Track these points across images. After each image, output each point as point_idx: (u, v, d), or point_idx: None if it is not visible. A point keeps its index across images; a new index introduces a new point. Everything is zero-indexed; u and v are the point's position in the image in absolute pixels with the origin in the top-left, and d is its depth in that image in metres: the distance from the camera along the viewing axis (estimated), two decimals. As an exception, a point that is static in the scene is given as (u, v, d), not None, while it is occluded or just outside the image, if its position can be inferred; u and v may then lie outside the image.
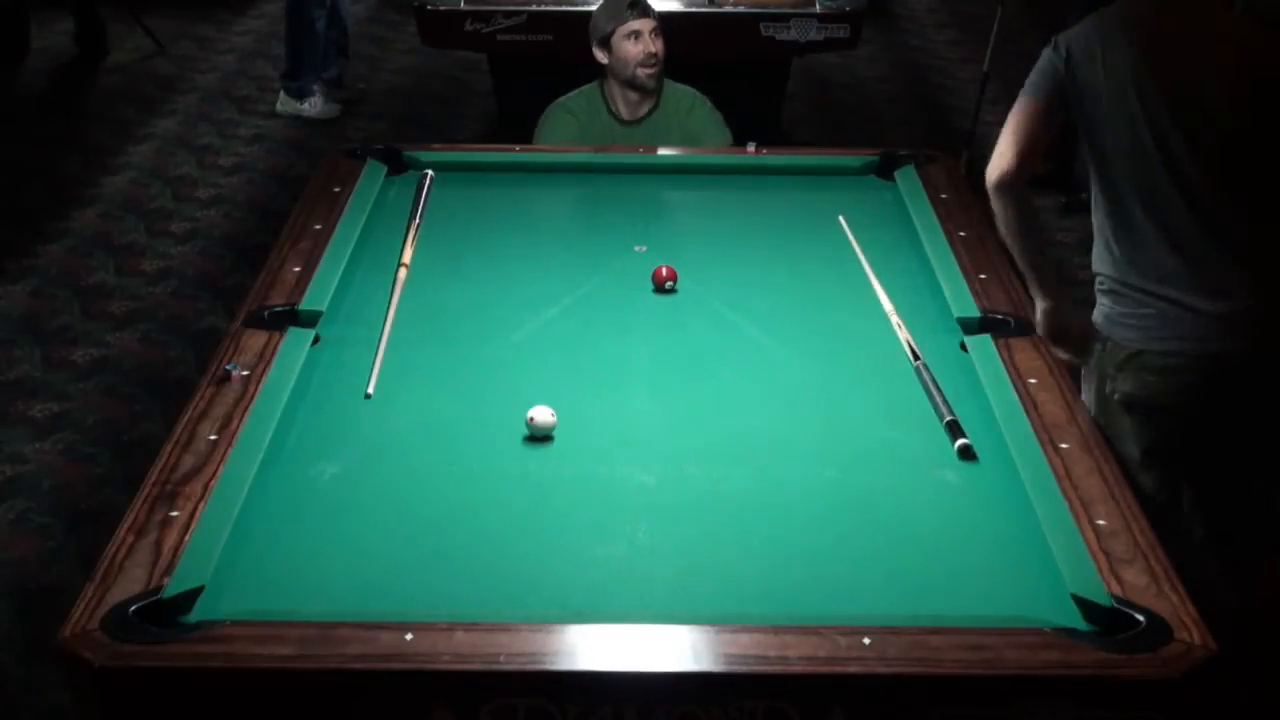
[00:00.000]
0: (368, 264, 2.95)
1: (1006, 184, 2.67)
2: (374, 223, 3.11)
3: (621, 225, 3.24)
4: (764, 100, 5.32)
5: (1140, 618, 1.87)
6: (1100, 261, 2.66)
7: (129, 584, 1.91)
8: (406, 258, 2.92)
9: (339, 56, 6.47)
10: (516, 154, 3.58)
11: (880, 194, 3.38)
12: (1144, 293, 2.56)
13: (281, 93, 6.35)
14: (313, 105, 6.31)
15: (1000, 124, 2.79)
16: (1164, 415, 2.57)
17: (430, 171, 3.32)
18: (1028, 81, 2.67)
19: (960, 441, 2.31)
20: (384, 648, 1.80)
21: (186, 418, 2.30)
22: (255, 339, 2.55)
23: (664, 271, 2.85)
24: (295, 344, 2.55)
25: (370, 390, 2.46)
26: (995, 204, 2.70)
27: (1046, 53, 2.66)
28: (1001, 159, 2.68)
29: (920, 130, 6.41)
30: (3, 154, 5.97)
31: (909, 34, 7.85)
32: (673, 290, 2.84)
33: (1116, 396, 2.60)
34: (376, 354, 2.55)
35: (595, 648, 1.83)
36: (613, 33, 3.67)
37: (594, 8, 3.87)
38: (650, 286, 2.85)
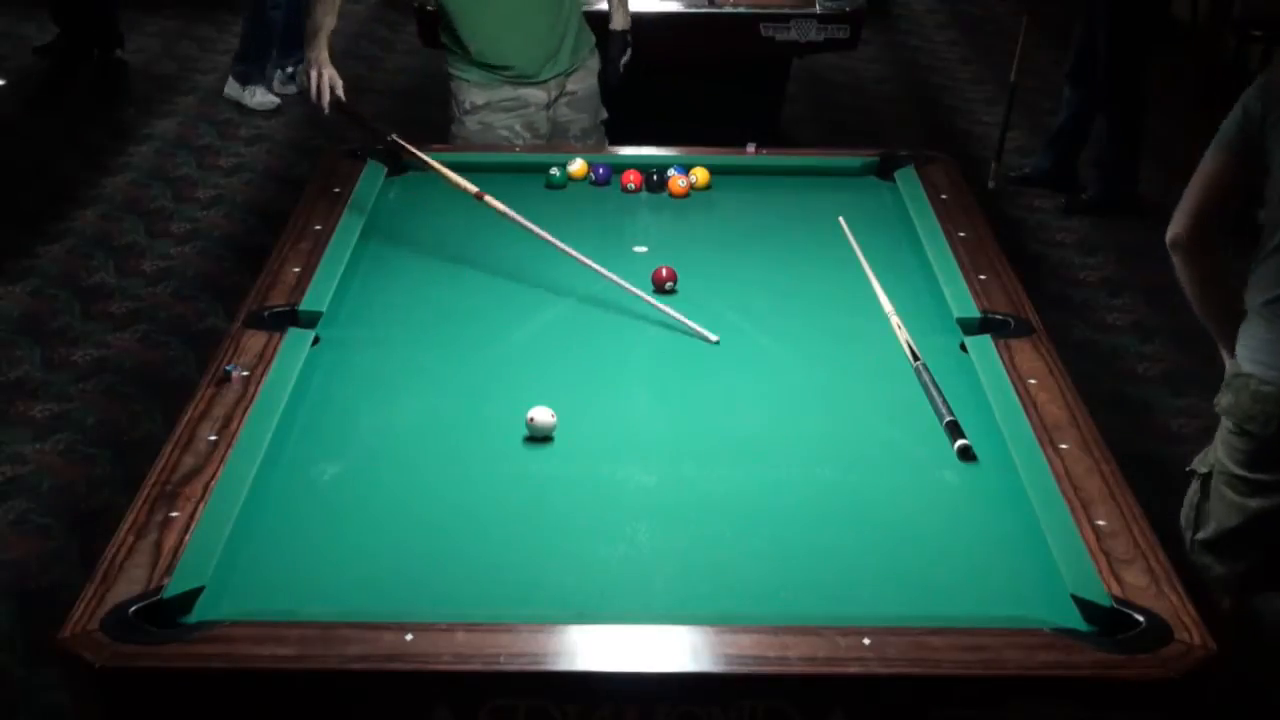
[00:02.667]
0: (368, 264, 2.96)
1: (1179, 245, 2.61)
2: (374, 223, 3.12)
3: (621, 226, 3.24)
4: (764, 100, 5.32)
5: (1140, 618, 1.87)
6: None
7: (129, 584, 1.91)
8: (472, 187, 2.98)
9: (299, 49, 6.46)
10: (516, 154, 3.58)
11: (880, 194, 3.38)
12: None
13: (230, 77, 6.42)
14: (251, 94, 6.36)
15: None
16: (1251, 439, 2.54)
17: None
18: (1218, 132, 2.56)
19: (960, 442, 2.31)
20: (384, 648, 1.80)
21: (186, 418, 2.30)
22: (255, 339, 2.55)
23: (664, 272, 2.85)
24: (295, 344, 2.55)
25: None
26: (1174, 260, 2.63)
27: (1239, 104, 2.52)
28: (1177, 217, 2.59)
29: (920, 130, 6.42)
30: (3, 154, 5.97)
31: (909, 34, 7.85)
32: (673, 291, 2.85)
33: (1217, 409, 2.59)
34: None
35: (595, 648, 1.83)
36: None
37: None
38: (651, 287, 2.85)
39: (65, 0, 6.69)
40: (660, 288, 2.85)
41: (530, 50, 3.75)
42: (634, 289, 2.73)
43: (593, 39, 3.92)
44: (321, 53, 3.63)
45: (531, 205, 3.32)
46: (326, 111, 3.58)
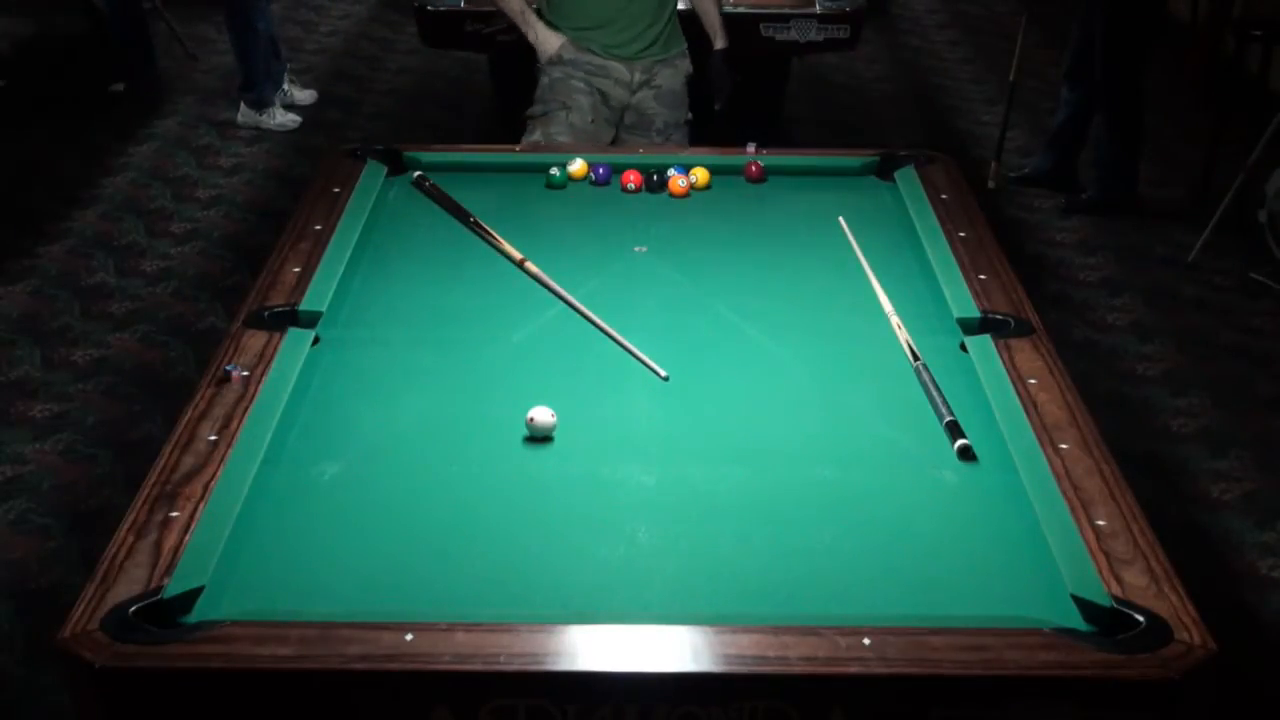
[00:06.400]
0: (368, 264, 2.96)
1: None
2: (374, 223, 3.12)
3: (621, 225, 3.24)
4: (764, 100, 5.32)
5: (1140, 618, 1.87)
6: None
7: (129, 584, 1.91)
8: (516, 253, 2.97)
9: (280, 62, 6.44)
10: (516, 154, 3.58)
11: (880, 194, 3.38)
12: None
13: (241, 104, 6.29)
14: (270, 117, 6.27)
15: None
16: None
17: (418, 172, 3.34)
18: None
19: (960, 442, 2.31)
20: (384, 648, 1.80)
21: (186, 418, 2.30)
22: (255, 339, 2.55)
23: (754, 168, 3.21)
24: (295, 344, 2.55)
25: None
26: None
27: None
28: None
29: (920, 130, 6.42)
30: (3, 154, 5.97)
31: (909, 34, 7.86)
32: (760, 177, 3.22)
33: None
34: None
35: (595, 648, 1.83)
36: None
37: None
38: (650, 288, 2.85)
39: (121, 40, 6.54)
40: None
41: (623, 24, 3.86)
42: (643, 357, 2.60)
43: (684, 42, 4.04)
44: (541, 26, 3.67)
45: (532, 205, 3.34)
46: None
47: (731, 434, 2.40)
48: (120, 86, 6.58)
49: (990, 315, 2.69)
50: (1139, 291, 4.95)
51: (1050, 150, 5.73)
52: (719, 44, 4.05)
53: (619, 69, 3.91)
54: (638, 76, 3.94)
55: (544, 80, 3.90)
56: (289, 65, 6.62)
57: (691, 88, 4.06)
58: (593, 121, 3.91)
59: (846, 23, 5.04)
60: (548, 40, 3.68)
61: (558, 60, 3.85)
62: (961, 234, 3.04)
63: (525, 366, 2.60)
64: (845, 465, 2.30)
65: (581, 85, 3.88)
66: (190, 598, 1.90)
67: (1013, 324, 2.66)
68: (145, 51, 6.66)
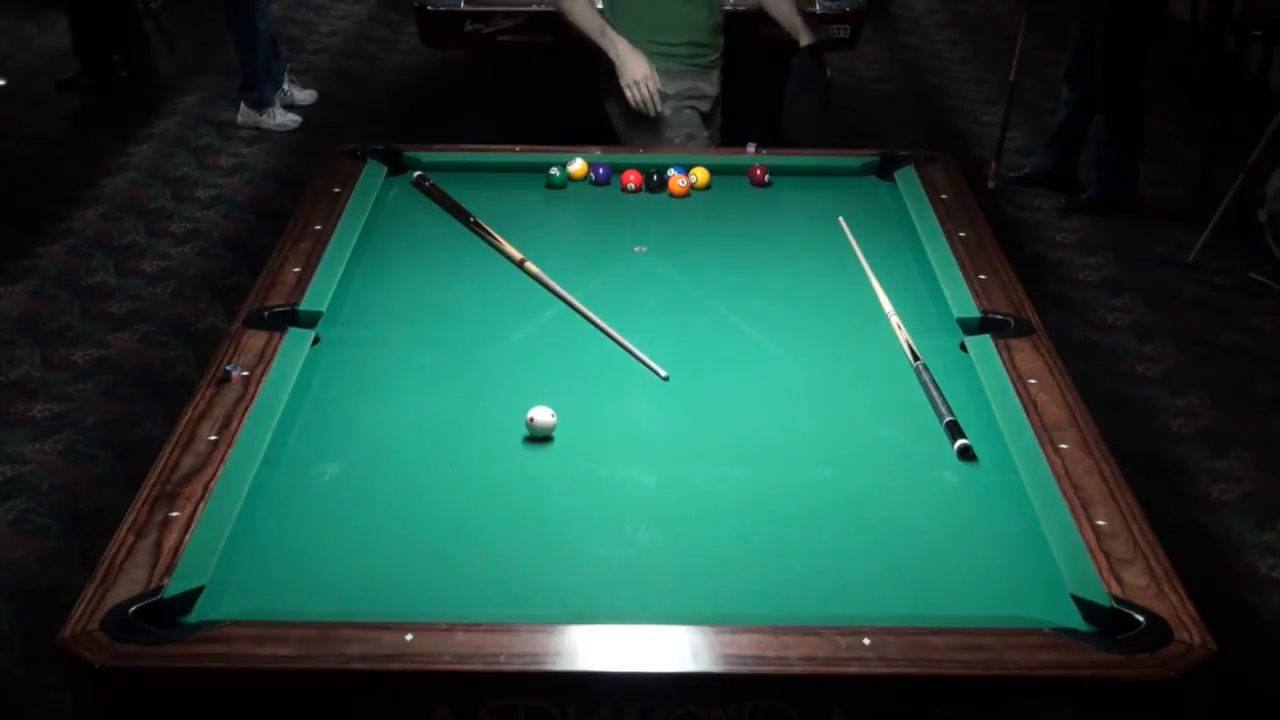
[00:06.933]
0: (368, 264, 2.96)
1: None
2: (374, 223, 3.12)
3: (621, 226, 3.24)
4: (764, 100, 5.32)
5: (1140, 618, 1.87)
6: None
7: (129, 584, 1.91)
8: (516, 253, 2.97)
9: (276, 60, 6.44)
10: (516, 154, 3.58)
11: (880, 194, 3.38)
12: None
13: (241, 104, 6.29)
14: (270, 117, 6.27)
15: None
16: None
17: (419, 172, 3.34)
18: None
19: (960, 442, 2.31)
20: (384, 648, 1.80)
21: (186, 418, 2.30)
22: (255, 339, 2.55)
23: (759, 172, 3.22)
24: (295, 344, 2.55)
25: None
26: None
27: None
28: None
29: (920, 130, 6.42)
30: (3, 154, 5.97)
31: (909, 34, 7.86)
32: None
33: None
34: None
35: (595, 648, 1.83)
36: None
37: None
38: (650, 288, 2.85)
39: (87, 32, 6.57)
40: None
41: (706, 34, 3.86)
42: (643, 357, 2.60)
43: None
44: (623, 43, 3.53)
45: (532, 205, 3.34)
46: (659, 110, 3.43)
47: (731, 434, 2.40)
48: (85, 81, 6.62)
49: (990, 315, 2.69)
50: (1139, 291, 4.95)
51: (1050, 150, 5.73)
52: (804, 40, 3.97)
53: (704, 86, 3.90)
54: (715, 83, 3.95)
55: (665, 115, 3.83)
56: (289, 65, 6.62)
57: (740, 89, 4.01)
58: (708, 136, 3.95)
59: (846, 23, 5.03)
60: (633, 59, 3.50)
61: (665, 97, 3.80)
62: (961, 234, 3.04)
63: (525, 366, 2.60)
64: (845, 465, 2.30)
65: (691, 114, 3.87)
66: (190, 598, 1.90)
67: (1013, 324, 2.66)
68: (126, 42, 6.70)
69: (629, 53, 3.50)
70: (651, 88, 3.41)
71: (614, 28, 3.79)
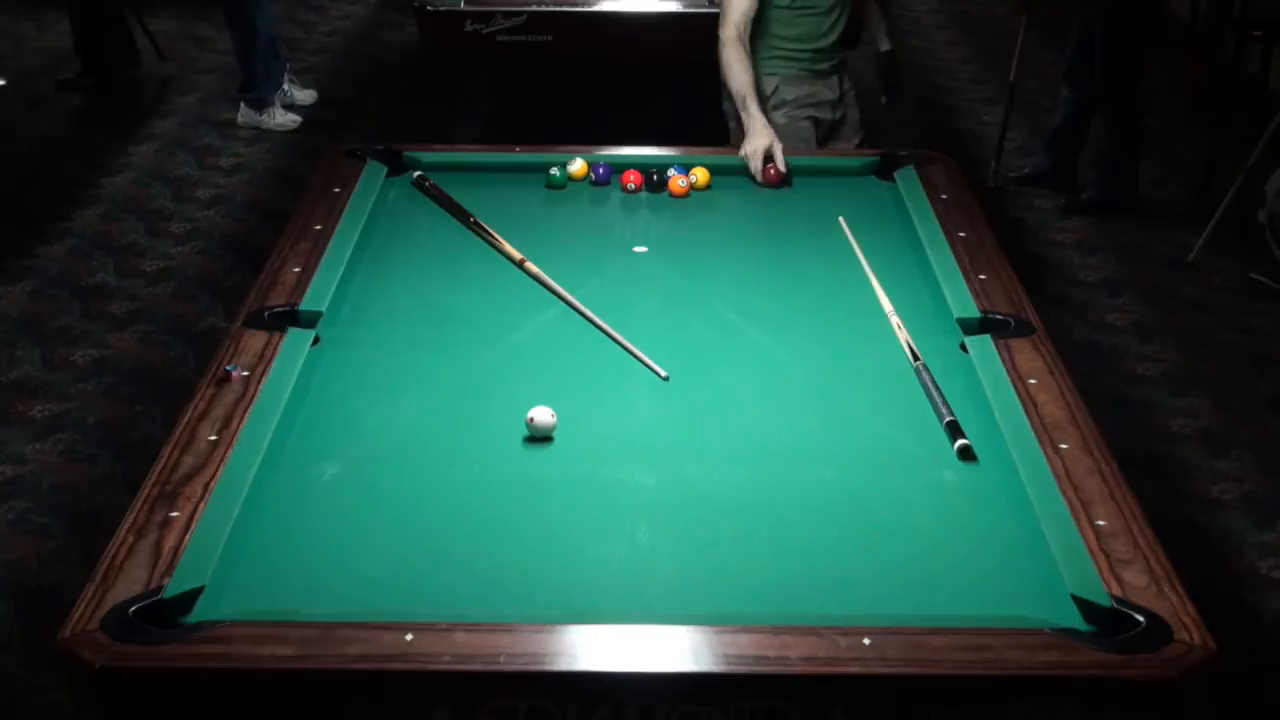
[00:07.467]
0: (368, 265, 2.96)
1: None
2: (374, 223, 3.12)
3: (622, 226, 3.24)
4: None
5: (1140, 618, 1.87)
6: None
7: (129, 584, 1.91)
8: (516, 253, 2.97)
9: (276, 60, 6.44)
10: (516, 154, 3.58)
11: (880, 194, 3.38)
12: None
13: (241, 104, 6.28)
14: (271, 116, 6.25)
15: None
16: None
17: (419, 173, 3.34)
18: None
19: (960, 442, 2.31)
20: (385, 648, 1.80)
21: (186, 418, 2.30)
22: (255, 339, 2.55)
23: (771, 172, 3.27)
24: (295, 344, 2.55)
25: None
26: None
27: None
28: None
29: (920, 130, 6.42)
30: (3, 154, 5.97)
31: (909, 34, 7.85)
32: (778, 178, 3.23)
33: None
34: None
35: (595, 648, 1.83)
36: None
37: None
38: (650, 288, 2.85)
39: (88, 32, 6.56)
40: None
41: (828, 43, 3.91)
42: (642, 357, 2.60)
43: None
44: (759, 118, 3.52)
45: (532, 205, 3.34)
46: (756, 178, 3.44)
47: (731, 434, 2.40)
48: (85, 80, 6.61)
49: (990, 315, 2.69)
50: (1139, 291, 4.95)
51: (1050, 150, 5.72)
52: (884, 46, 4.12)
53: (823, 92, 3.92)
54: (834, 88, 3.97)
55: (780, 124, 3.80)
56: (289, 65, 6.62)
57: None
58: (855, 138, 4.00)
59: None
60: (760, 134, 3.45)
61: (779, 105, 3.83)
62: (961, 234, 3.04)
63: (525, 366, 2.60)
64: (845, 465, 2.30)
65: (806, 126, 3.89)
66: (190, 598, 1.90)
67: (1013, 324, 2.66)
68: (117, 48, 6.68)
69: (760, 128, 3.48)
70: (758, 165, 3.44)
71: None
